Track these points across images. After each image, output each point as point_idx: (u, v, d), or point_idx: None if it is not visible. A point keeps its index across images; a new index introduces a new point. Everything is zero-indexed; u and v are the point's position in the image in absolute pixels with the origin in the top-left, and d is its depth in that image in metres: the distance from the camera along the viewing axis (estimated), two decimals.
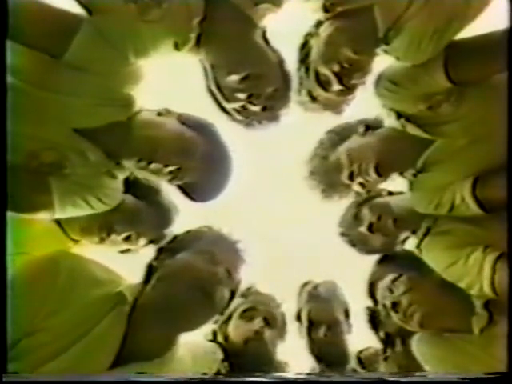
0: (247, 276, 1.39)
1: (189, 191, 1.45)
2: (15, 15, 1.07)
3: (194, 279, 1.16)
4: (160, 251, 1.34)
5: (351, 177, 1.48)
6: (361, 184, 1.50)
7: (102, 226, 1.46)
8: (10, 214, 1.10)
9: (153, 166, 1.31)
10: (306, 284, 1.82)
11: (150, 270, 1.26)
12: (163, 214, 1.58)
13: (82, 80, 1.21)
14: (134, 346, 1.10)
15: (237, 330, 1.55)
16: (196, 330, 1.25)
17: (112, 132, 1.28)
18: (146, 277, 1.25)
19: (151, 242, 1.56)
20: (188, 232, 1.38)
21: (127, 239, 1.52)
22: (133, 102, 1.30)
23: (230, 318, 1.58)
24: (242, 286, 1.45)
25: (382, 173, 1.47)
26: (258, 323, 1.54)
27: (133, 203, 1.51)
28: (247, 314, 1.57)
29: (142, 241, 1.55)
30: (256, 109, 1.34)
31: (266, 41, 1.33)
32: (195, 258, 1.22)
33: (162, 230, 1.56)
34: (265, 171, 2.08)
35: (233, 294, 1.27)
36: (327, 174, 1.55)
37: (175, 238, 1.39)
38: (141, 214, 1.52)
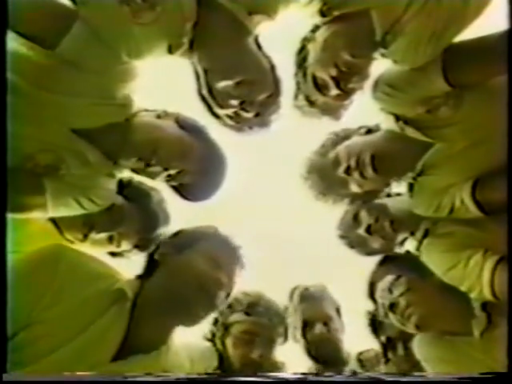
0: (246, 279, 1.39)
1: (184, 192, 1.46)
2: (12, 6, 1.08)
3: (199, 282, 1.20)
4: (162, 244, 1.34)
5: (348, 171, 1.47)
6: (358, 184, 1.49)
7: (85, 223, 1.44)
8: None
9: (152, 169, 1.32)
10: (295, 288, 1.84)
11: (152, 261, 1.28)
12: (149, 220, 1.55)
13: (78, 79, 1.21)
14: (135, 341, 1.13)
15: (236, 350, 1.60)
16: (193, 325, 1.27)
17: (111, 133, 1.29)
18: (146, 268, 1.27)
19: (136, 247, 1.55)
20: (193, 229, 1.39)
21: (110, 240, 1.49)
22: (131, 102, 1.30)
23: (229, 326, 1.61)
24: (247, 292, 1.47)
25: (379, 170, 1.45)
26: (256, 353, 1.57)
27: (118, 204, 1.48)
28: (247, 338, 1.60)
29: (126, 244, 1.53)
30: (249, 115, 1.34)
31: (259, 46, 1.33)
32: (201, 261, 1.24)
33: (146, 235, 1.54)
34: (263, 175, 2.08)
35: (228, 295, 1.29)
36: (324, 170, 1.54)
37: (179, 232, 1.38)
38: (124, 215, 1.50)
